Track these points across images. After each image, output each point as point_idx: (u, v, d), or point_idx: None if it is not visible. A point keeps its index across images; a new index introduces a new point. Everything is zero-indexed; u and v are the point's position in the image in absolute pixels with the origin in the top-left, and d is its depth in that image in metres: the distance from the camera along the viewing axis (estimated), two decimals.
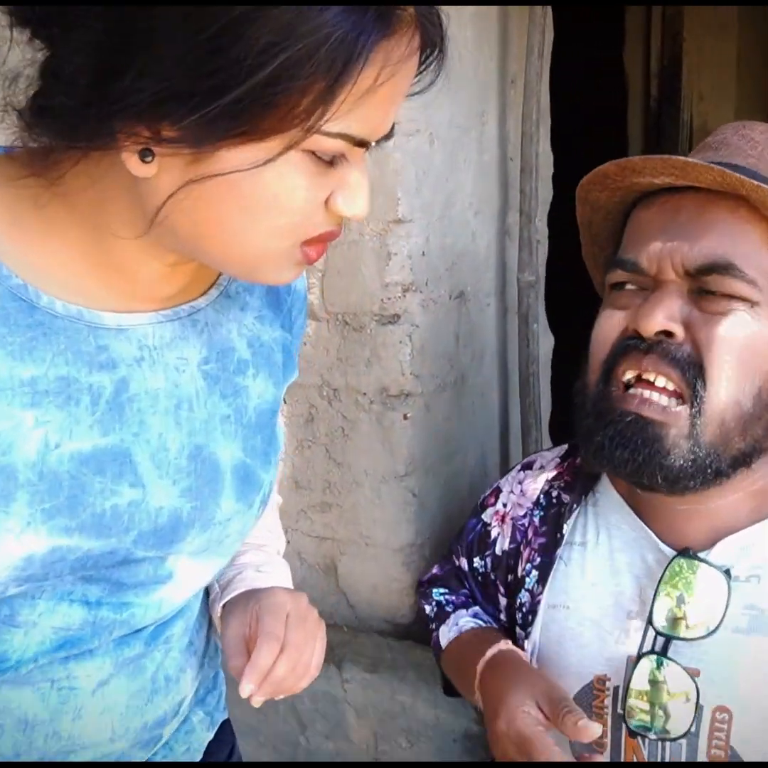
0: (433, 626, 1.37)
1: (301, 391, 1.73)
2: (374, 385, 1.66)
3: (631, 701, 1.08)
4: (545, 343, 1.90)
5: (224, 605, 0.99)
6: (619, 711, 1.10)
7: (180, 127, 0.64)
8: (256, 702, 0.88)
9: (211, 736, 1.07)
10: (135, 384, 0.80)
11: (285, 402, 1.74)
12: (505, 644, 1.19)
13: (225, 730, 1.12)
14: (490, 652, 1.17)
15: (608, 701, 1.12)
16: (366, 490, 1.72)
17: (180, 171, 0.68)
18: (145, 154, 0.67)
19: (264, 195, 0.69)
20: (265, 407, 0.92)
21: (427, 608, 1.40)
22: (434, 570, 1.45)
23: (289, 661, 0.90)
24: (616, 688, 1.11)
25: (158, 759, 0.98)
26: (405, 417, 1.65)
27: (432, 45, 0.70)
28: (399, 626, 1.76)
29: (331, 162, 0.70)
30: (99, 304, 0.78)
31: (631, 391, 1.05)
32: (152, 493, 0.81)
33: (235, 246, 0.73)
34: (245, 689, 0.87)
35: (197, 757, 1.04)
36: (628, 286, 1.08)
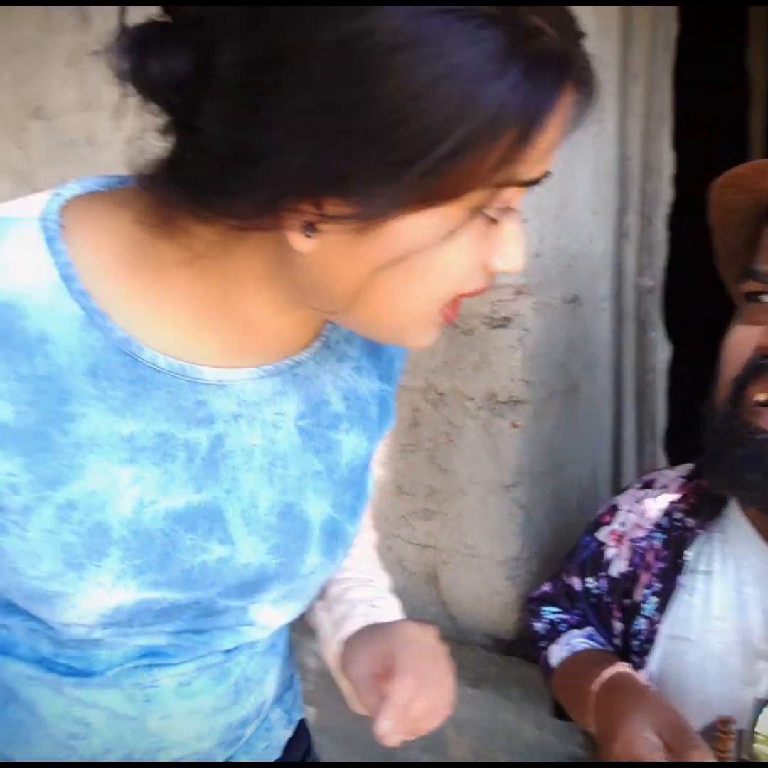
0: (543, 644, 1.31)
1: (406, 394, 1.69)
2: (482, 390, 1.61)
3: (759, 746, 1.00)
4: (662, 351, 1.82)
5: (344, 642, 0.96)
6: (744, 757, 1.03)
7: (352, 203, 0.60)
8: (394, 740, 0.83)
9: (289, 733, 1.06)
10: (231, 440, 0.78)
11: None
12: (623, 667, 1.12)
13: (302, 729, 1.11)
14: (608, 673, 1.11)
15: (733, 745, 1.05)
16: (471, 499, 1.67)
17: (344, 243, 0.63)
18: (308, 229, 0.62)
19: (435, 264, 0.65)
20: (357, 462, 0.89)
21: (538, 626, 1.34)
22: (545, 587, 1.39)
23: (428, 698, 0.86)
24: (740, 732, 1.04)
25: (239, 757, 0.98)
26: (514, 425, 1.59)
27: (585, 85, 0.66)
28: (501, 642, 1.71)
29: (495, 219, 0.66)
30: (201, 359, 0.75)
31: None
32: (241, 549, 0.79)
33: (387, 313, 0.69)
34: (383, 726, 0.82)
35: (277, 755, 1.04)
36: (764, 298, 1.01)
